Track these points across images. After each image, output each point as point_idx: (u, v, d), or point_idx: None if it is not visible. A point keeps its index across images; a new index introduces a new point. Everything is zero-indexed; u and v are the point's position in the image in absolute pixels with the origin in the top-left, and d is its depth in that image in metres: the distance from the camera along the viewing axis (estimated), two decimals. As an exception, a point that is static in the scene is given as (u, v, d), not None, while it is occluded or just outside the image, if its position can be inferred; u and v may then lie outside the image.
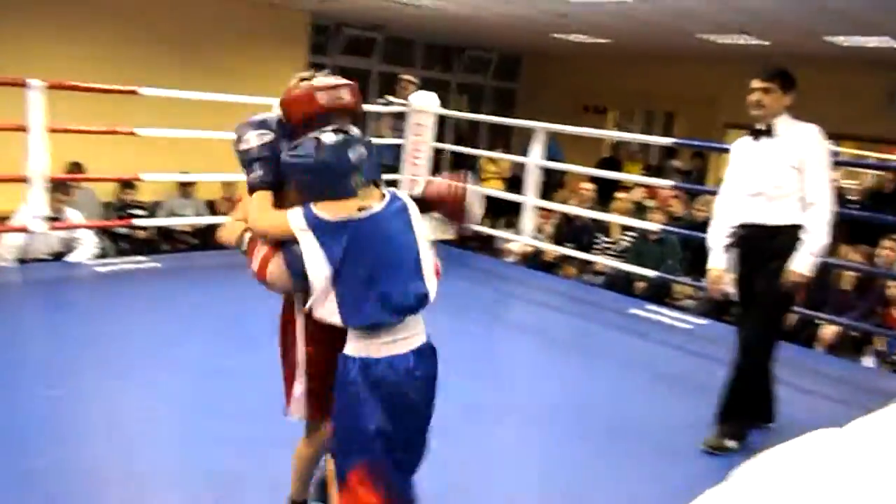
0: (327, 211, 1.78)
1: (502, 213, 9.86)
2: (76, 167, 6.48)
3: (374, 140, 6.82)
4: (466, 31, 9.66)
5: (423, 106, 6.49)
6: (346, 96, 1.96)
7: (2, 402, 3.02)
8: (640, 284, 5.94)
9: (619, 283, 5.94)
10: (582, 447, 3.10)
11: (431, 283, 1.87)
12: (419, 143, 6.50)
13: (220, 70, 7.54)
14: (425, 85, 7.62)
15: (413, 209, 1.89)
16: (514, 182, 9.57)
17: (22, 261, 5.49)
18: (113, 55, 7.12)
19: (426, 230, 1.92)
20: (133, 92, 5.08)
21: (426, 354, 1.89)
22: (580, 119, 10.06)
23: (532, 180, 6.05)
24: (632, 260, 5.96)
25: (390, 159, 6.71)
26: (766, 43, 7.79)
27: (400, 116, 6.59)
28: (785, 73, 3.14)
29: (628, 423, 3.37)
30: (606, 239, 6.45)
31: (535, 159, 6.02)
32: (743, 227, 3.24)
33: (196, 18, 7.86)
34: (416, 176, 6.56)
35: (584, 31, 8.46)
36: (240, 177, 2.08)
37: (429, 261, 1.88)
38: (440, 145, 7.10)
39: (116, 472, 2.61)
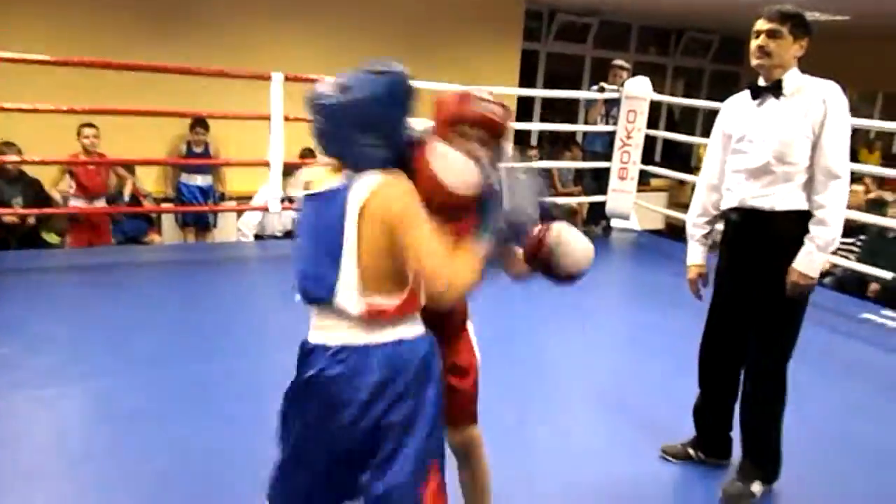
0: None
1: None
2: (309, 153, 7.02)
3: (587, 128, 6.81)
4: (687, 12, 9.25)
5: (637, 92, 6.33)
6: (499, 113, 1.74)
7: (247, 364, 3.40)
8: (874, 287, 5.41)
9: (851, 285, 5.44)
10: (800, 460, 2.91)
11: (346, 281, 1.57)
12: (632, 130, 6.35)
13: (434, 59, 7.80)
14: (640, 69, 7.41)
15: (354, 202, 1.55)
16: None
17: (258, 237, 6.09)
18: (339, 49, 7.62)
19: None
20: (359, 82, 5.42)
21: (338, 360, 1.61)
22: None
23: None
24: (865, 259, 5.43)
25: (601, 147, 6.64)
26: None
27: (612, 103, 6.48)
28: (798, 14, 2.51)
29: (852, 437, 3.10)
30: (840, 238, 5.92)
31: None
32: (733, 211, 2.62)
33: (415, 8, 8.18)
34: (626, 164, 6.43)
35: (821, 7, 7.78)
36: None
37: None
38: (653, 132, 6.89)
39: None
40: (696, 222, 2.77)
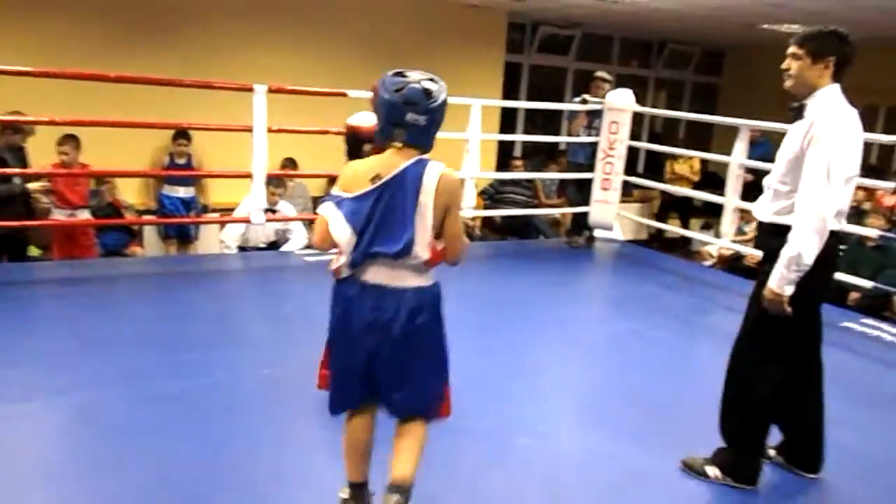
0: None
1: (693, 214, 9.48)
2: (291, 163, 7.01)
3: (570, 139, 6.84)
4: (668, 25, 9.34)
5: (619, 104, 6.37)
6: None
7: (230, 377, 3.39)
8: (854, 295, 5.46)
9: (831, 294, 5.50)
10: (778, 472, 2.92)
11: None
12: (614, 141, 6.40)
13: (423, 70, 7.80)
14: (622, 81, 7.46)
15: (428, 180, 2.07)
16: (713, 181, 9.17)
17: (241, 248, 6.06)
18: (323, 60, 7.63)
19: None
20: (343, 94, 5.42)
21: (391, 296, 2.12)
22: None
23: (733, 181, 5.75)
24: (845, 268, 5.49)
25: (584, 158, 6.67)
26: None
27: (595, 114, 6.51)
28: (821, 35, 2.54)
29: (834, 447, 3.12)
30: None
31: (737, 158, 5.72)
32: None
33: (397, 21, 8.21)
34: (608, 175, 6.47)
35: (799, 20, 7.89)
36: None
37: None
38: (635, 144, 6.94)
39: (325, 442, 2.82)
40: None
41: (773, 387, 2.68)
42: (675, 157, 9.25)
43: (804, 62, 2.55)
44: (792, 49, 2.58)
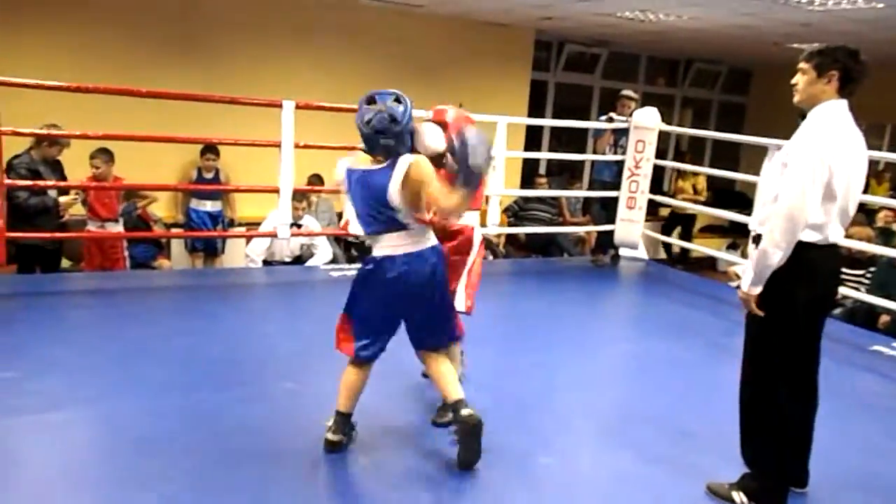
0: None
1: (703, 232, 9.37)
2: (317, 179, 7.06)
3: (596, 157, 6.83)
4: (694, 44, 9.31)
5: (645, 123, 6.35)
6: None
7: (253, 391, 3.40)
8: (885, 319, 5.36)
9: (861, 317, 5.40)
10: (815, 496, 2.86)
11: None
12: (640, 160, 6.37)
13: (449, 88, 7.86)
14: (648, 99, 7.44)
15: (396, 176, 2.61)
16: (741, 201, 9.09)
17: (266, 262, 6.10)
18: (352, 77, 7.70)
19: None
20: (369, 110, 5.45)
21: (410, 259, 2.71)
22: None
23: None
24: (875, 291, 5.40)
25: (609, 177, 6.64)
26: None
27: (621, 133, 6.49)
28: (827, 50, 2.58)
29: (865, 474, 3.05)
30: (848, 270, 5.86)
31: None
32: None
33: (425, 39, 8.28)
34: (634, 193, 6.44)
35: (825, 39, 7.84)
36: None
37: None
38: (661, 162, 6.90)
39: (346, 460, 2.82)
40: None
41: (780, 409, 2.64)
42: (680, 173, 9.21)
43: (809, 76, 2.59)
44: (799, 63, 2.63)
